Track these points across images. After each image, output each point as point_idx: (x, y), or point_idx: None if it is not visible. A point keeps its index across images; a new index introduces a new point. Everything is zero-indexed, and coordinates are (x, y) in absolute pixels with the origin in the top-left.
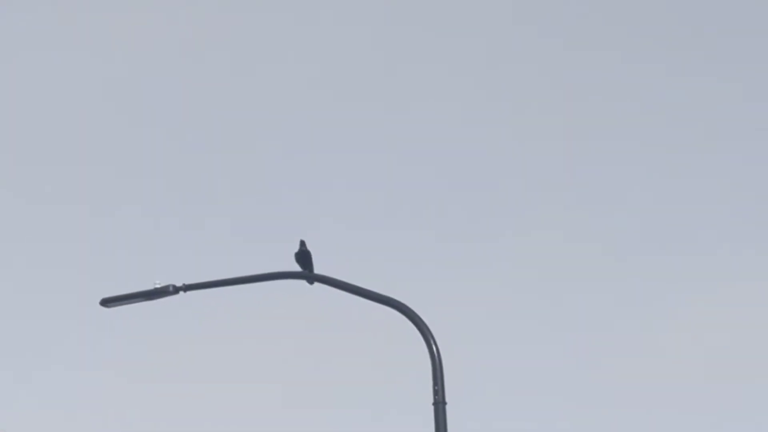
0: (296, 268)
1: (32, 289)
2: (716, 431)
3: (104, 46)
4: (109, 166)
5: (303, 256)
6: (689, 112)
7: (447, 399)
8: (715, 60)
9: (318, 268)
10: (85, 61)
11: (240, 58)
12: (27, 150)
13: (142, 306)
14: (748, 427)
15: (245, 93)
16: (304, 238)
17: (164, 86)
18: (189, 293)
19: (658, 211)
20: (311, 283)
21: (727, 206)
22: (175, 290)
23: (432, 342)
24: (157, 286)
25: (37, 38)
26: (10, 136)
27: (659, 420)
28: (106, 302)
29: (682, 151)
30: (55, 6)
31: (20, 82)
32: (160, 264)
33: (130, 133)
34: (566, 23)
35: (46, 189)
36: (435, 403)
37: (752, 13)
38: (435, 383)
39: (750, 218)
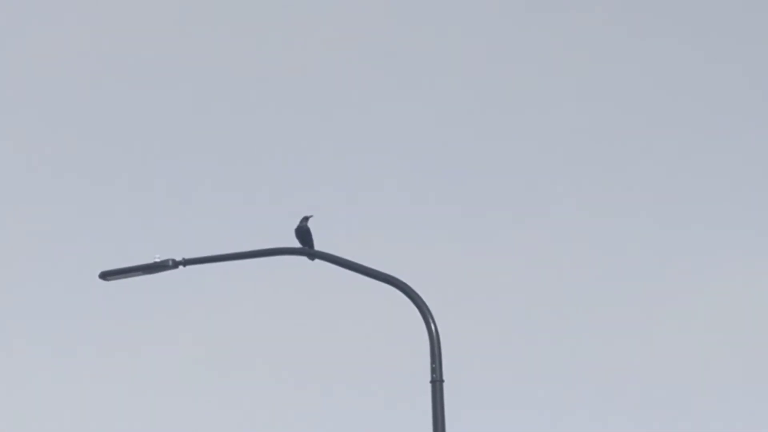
0: (296, 244)
1: (31, 261)
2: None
3: (104, 12)
4: (109, 138)
5: (303, 232)
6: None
7: (444, 377)
8: (728, 39)
9: (319, 245)
10: (81, 26)
11: (241, 28)
12: (27, 121)
13: (141, 280)
14: None
15: (248, 67)
16: (305, 215)
17: (163, 58)
18: (188, 267)
19: (665, 198)
20: (312, 259)
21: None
22: (175, 264)
23: (430, 320)
24: (157, 260)
25: (39, 10)
26: (10, 105)
27: (660, 404)
28: (106, 275)
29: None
30: None
31: (18, 50)
32: (160, 238)
33: (130, 106)
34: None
35: (45, 162)
36: (432, 381)
37: None
38: (433, 361)
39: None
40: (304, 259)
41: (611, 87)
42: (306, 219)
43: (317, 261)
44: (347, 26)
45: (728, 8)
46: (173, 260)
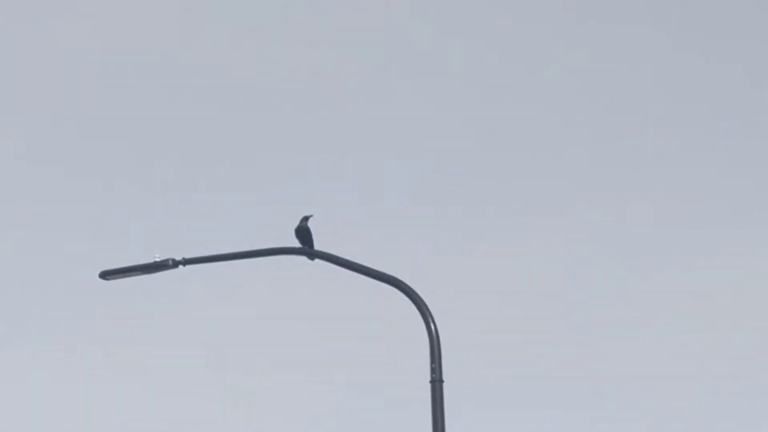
0: (296, 243)
1: (31, 261)
2: None
3: (104, 12)
4: (109, 138)
5: (303, 231)
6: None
7: (444, 377)
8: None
9: (319, 245)
10: (81, 27)
11: (241, 28)
12: (27, 120)
13: (141, 279)
14: None
15: (248, 67)
16: (306, 214)
17: (164, 57)
18: (188, 267)
19: (666, 198)
20: (312, 259)
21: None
22: (175, 264)
23: (430, 320)
24: (157, 259)
25: (39, 10)
26: (11, 105)
27: (660, 402)
28: (105, 275)
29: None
30: None
31: (18, 50)
32: (159, 237)
33: (130, 105)
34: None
35: (45, 162)
36: (432, 381)
37: None
38: (432, 361)
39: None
40: (304, 258)
41: (613, 86)
42: (306, 219)
43: (317, 261)
44: (347, 26)
45: (728, 8)
46: (173, 260)
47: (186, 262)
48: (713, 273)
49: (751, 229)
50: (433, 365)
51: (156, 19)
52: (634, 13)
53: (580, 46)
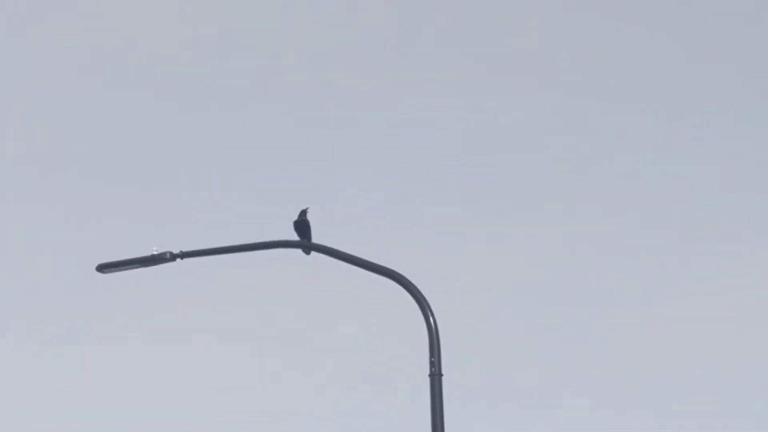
0: (295, 237)
1: (29, 254)
2: None
3: (105, 11)
4: (107, 132)
5: (301, 225)
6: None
7: (443, 371)
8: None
9: (317, 238)
10: (82, 26)
11: (242, 28)
12: (27, 114)
13: (139, 272)
14: None
15: (248, 58)
16: (304, 208)
17: (164, 55)
18: (186, 260)
19: (656, 197)
20: (308, 252)
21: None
22: (173, 257)
23: (429, 314)
24: (155, 252)
25: (38, 9)
26: (11, 98)
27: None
28: (103, 268)
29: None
30: None
31: (19, 47)
32: (157, 230)
33: (129, 100)
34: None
35: (44, 156)
36: (431, 375)
37: None
38: (431, 355)
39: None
40: (301, 251)
41: (615, 85)
42: (304, 212)
43: (316, 254)
44: (347, 26)
45: (730, 8)
46: (171, 253)
47: (184, 255)
48: (713, 273)
49: (752, 229)
50: (432, 359)
51: (155, 18)
52: (634, 13)
53: (580, 45)
